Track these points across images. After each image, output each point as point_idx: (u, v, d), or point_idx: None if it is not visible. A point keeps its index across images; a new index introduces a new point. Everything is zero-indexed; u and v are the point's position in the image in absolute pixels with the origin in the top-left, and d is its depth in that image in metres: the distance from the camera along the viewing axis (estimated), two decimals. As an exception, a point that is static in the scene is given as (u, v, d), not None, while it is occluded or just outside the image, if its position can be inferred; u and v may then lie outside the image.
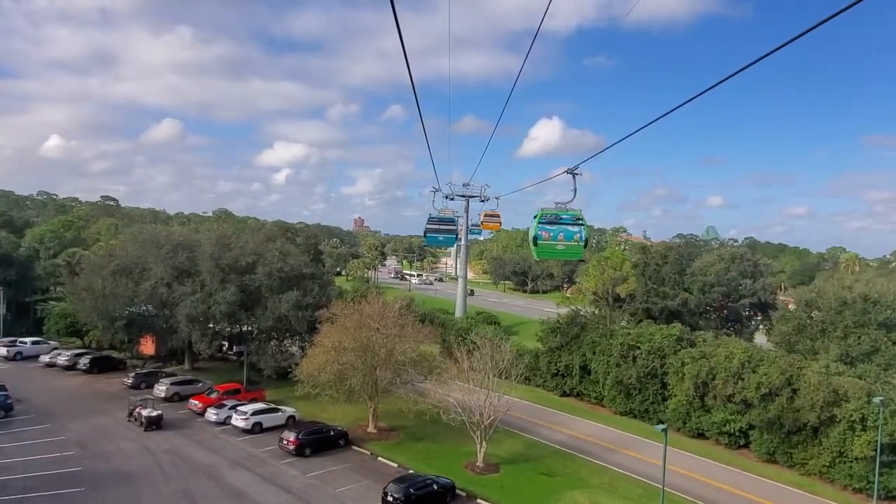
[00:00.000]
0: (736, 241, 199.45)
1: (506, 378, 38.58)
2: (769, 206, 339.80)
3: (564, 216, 21.16)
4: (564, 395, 54.28)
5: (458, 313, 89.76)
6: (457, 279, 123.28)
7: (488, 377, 37.71)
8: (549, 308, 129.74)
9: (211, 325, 47.06)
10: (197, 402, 44.66)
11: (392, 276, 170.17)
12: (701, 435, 44.40)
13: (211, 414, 42.77)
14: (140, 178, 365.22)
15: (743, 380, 41.00)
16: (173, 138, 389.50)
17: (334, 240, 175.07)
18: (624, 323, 57.84)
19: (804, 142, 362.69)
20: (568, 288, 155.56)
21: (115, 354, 58.56)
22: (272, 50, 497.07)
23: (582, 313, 57.15)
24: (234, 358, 58.43)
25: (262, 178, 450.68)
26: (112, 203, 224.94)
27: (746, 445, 42.39)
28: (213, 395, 45.51)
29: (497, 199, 64.00)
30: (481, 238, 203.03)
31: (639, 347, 48.18)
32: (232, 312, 47.37)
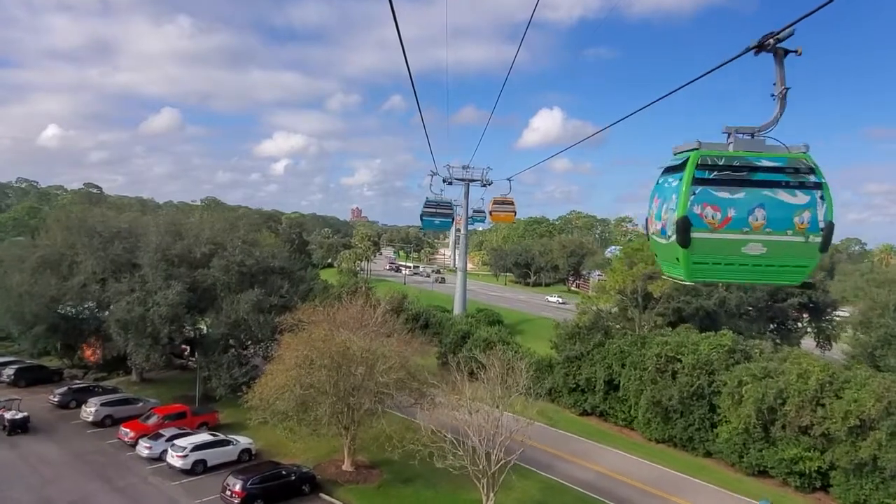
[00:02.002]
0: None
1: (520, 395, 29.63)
2: None
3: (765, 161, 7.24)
4: (584, 413, 45.21)
5: (457, 310, 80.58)
6: (455, 271, 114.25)
7: (498, 406, 28.62)
8: (555, 302, 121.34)
9: (150, 332, 37.74)
10: (128, 431, 35.44)
11: (387, 267, 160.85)
12: (763, 472, 35.35)
13: (142, 447, 33.57)
14: (138, 169, 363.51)
15: (823, 406, 31.94)
16: (172, 128, 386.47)
17: (325, 229, 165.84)
18: (650, 327, 48.53)
19: (802, 134, 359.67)
20: (574, 282, 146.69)
21: (50, 363, 49.27)
22: (272, 40, 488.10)
23: (603, 315, 47.92)
24: (196, 367, 49.20)
25: (260, 168, 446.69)
26: (96, 191, 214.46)
27: (825, 488, 33.38)
28: (151, 421, 36.33)
29: (510, 181, 50.54)
30: (480, 228, 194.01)
31: (680, 360, 39.05)
32: (176, 316, 38.00)
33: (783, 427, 33.45)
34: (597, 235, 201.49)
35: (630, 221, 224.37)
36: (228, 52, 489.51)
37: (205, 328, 42.43)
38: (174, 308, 37.38)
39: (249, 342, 41.06)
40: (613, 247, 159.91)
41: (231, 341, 40.24)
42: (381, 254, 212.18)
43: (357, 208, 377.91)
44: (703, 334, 40.61)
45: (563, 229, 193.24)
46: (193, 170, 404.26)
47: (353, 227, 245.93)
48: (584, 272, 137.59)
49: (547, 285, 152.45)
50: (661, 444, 39.96)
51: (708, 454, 37.90)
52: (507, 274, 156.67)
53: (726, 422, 36.40)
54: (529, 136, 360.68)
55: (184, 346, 48.31)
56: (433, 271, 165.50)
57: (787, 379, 33.63)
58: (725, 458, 36.61)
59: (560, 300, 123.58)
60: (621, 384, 41.93)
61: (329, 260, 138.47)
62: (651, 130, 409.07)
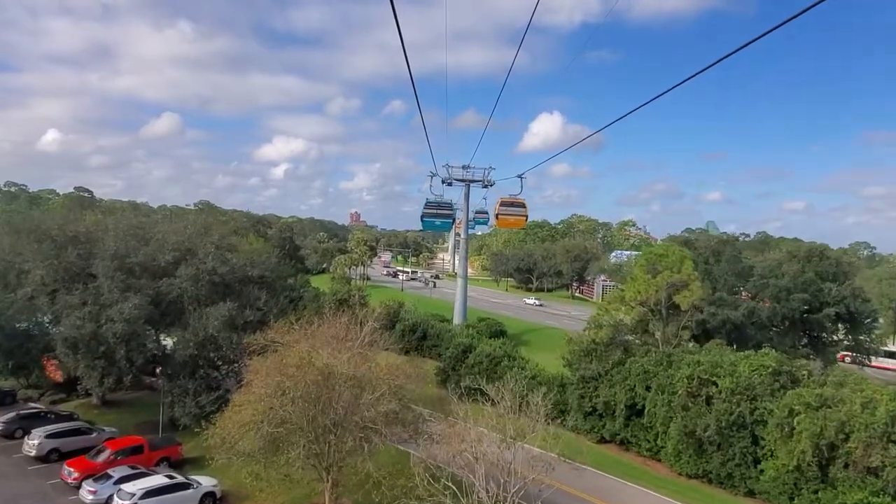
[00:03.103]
0: (748, 235, 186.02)
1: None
2: (767, 201, 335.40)
3: None
4: (602, 441, 39.99)
5: (458, 320, 75.44)
6: (455, 277, 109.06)
7: (510, 448, 23.48)
8: (558, 310, 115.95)
9: (103, 352, 32.49)
10: (72, 470, 30.14)
11: (385, 272, 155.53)
12: (818, 518, 30.12)
13: (86, 491, 28.28)
14: (137, 173, 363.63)
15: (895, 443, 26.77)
16: (172, 133, 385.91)
17: (321, 234, 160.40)
18: (676, 343, 43.28)
19: (803, 137, 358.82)
20: (578, 287, 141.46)
21: (5, 382, 43.97)
22: (273, 44, 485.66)
23: (621, 329, 42.68)
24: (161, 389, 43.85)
25: (260, 172, 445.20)
26: (86, 195, 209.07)
27: (895, 539, 28.15)
28: (101, 457, 31.05)
29: (521, 178, 39.88)
30: (480, 233, 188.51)
31: (715, 384, 33.86)
32: (133, 333, 32.73)
33: (845, 466, 28.26)
34: (599, 239, 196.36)
35: (633, 225, 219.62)
36: (229, 56, 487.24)
37: (171, 345, 37.22)
38: (131, 324, 32.11)
39: (221, 363, 35.75)
40: (618, 251, 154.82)
41: (200, 362, 34.90)
42: (380, 257, 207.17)
43: (356, 212, 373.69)
44: (742, 354, 35.38)
45: (565, 233, 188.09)
46: (193, 174, 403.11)
47: (351, 231, 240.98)
48: (588, 277, 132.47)
49: (549, 291, 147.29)
50: (694, 479, 34.71)
51: (750, 493, 32.64)
52: (509, 279, 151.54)
53: (773, 457, 31.17)
54: (530, 141, 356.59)
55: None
56: (432, 276, 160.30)
57: (849, 409, 28.45)
58: (772, 499, 31.35)
59: (537, 302, 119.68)
60: (646, 410, 36.70)
61: (324, 265, 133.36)
62: (650, 136, 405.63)
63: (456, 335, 60.58)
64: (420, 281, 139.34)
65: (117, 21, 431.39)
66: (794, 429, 29.71)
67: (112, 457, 30.98)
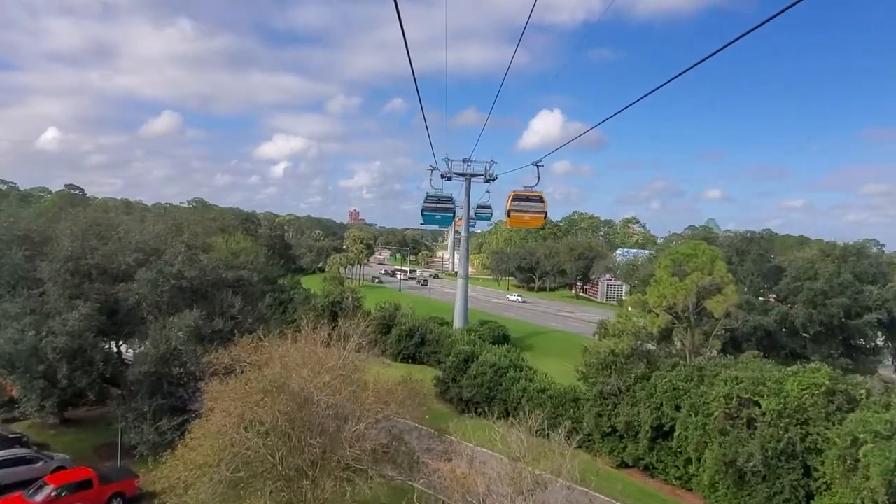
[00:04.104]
0: (754, 232, 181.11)
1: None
2: (767, 199, 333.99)
3: None
4: (623, 465, 35.38)
5: (458, 324, 70.89)
6: (455, 276, 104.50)
7: (526, 499, 18.81)
8: (565, 311, 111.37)
9: (43, 371, 27.75)
10: (2, 512, 25.54)
11: (383, 272, 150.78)
12: (887, 567, 25.49)
13: (16, 541, 23.64)
14: (137, 172, 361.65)
15: None
16: (172, 131, 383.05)
17: (316, 232, 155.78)
18: (707, 355, 38.59)
19: (803, 135, 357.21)
20: (582, 287, 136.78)
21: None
22: (273, 43, 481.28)
23: (642, 338, 38.01)
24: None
25: (259, 171, 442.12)
26: (77, 192, 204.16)
27: None
28: (41, 496, 26.36)
29: (538, 165, 29.75)
30: (480, 231, 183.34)
31: (758, 404, 29.22)
32: (80, 348, 27.99)
33: (924, 508, 23.63)
34: (601, 237, 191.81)
35: (636, 222, 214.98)
36: (229, 54, 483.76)
37: (133, 354, 32.59)
38: (75, 338, 27.37)
39: (186, 380, 31.00)
40: (623, 249, 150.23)
41: (166, 382, 30.11)
42: (380, 254, 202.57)
43: (355, 210, 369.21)
44: (789, 370, 30.66)
45: (567, 231, 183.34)
46: (192, 173, 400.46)
47: (348, 229, 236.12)
48: (593, 277, 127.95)
49: (552, 290, 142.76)
50: (733, 514, 30.08)
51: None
52: (510, 278, 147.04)
53: (831, 492, 26.53)
54: (530, 138, 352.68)
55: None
56: (431, 275, 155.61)
57: (928, 440, 23.81)
58: (830, 543, 26.75)
59: (520, 299, 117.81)
60: (676, 433, 32.04)
61: (320, 264, 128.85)
62: (650, 134, 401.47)
63: (456, 341, 56.02)
64: (419, 282, 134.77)
65: (118, 20, 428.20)
66: (858, 461, 25.06)
67: (54, 494, 26.32)
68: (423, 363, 60.67)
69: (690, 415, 31.02)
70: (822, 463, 27.08)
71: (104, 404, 39.23)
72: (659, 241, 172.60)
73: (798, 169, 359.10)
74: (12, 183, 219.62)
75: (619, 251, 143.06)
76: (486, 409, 44.06)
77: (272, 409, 20.42)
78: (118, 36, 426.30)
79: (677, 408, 32.28)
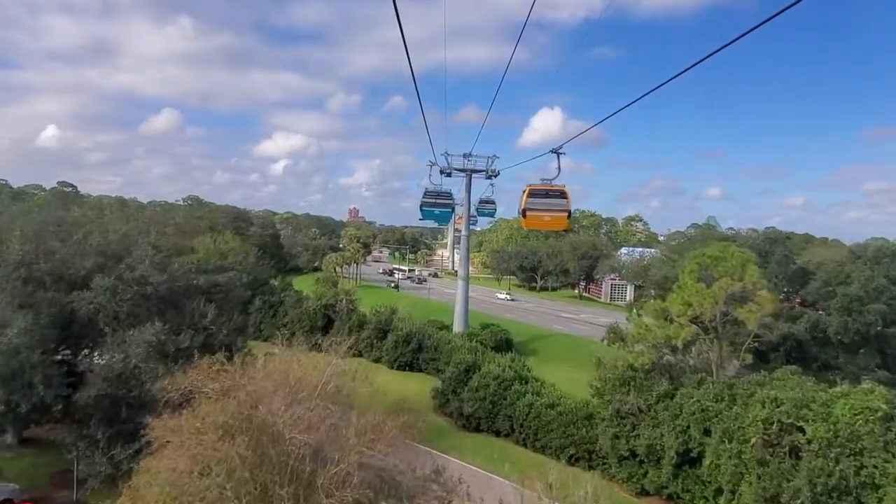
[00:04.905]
0: (756, 230, 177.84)
1: None
2: (767, 198, 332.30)
3: None
4: (643, 493, 31.66)
5: (458, 328, 67.05)
6: (455, 276, 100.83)
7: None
8: (567, 312, 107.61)
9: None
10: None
11: (381, 271, 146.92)
12: None
13: None
14: (137, 170, 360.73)
15: None
16: (171, 129, 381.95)
17: (313, 230, 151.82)
18: (736, 368, 34.78)
19: (803, 134, 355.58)
20: (586, 286, 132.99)
21: None
22: (273, 40, 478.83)
23: (663, 349, 34.21)
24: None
25: (259, 169, 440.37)
26: (69, 189, 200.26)
27: None
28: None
29: (559, 154, 22.02)
30: (479, 229, 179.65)
31: (802, 430, 25.47)
32: (19, 368, 24.14)
33: None
34: (603, 235, 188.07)
35: (640, 220, 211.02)
36: (229, 52, 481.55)
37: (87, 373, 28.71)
38: (9, 357, 23.53)
39: (146, 403, 27.12)
40: (627, 248, 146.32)
41: (124, 407, 26.23)
42: (380, 252, 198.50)
43: (354, 208, 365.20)
44: (836, 391, 26.93)
45: (570, 229, 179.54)
46: (192, 171, 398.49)
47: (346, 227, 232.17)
48: (597, 276, 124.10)
49: (554, 290, 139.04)
50: (773, 556, 26.36)
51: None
52: (511, 277, 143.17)
53: (892, 537, 22.81)
54: (530, 136, 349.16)
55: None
56: (430, 274, 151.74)
57: None
58: None
59: (508, 296, 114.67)
60: (706, 460, 28.28)
61: (316, 264, 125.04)
62: (649, 133, 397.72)
63: (456, 348, 52.31)
64: (415, 282, 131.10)
65: (118, 18, 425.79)
66: (929, 503, 21.35)
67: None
68: (420, 371, 57.05)
69: (723, 441, 27.24)
70: (880, 500, 23.36)
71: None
72: (660, 239, 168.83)
73: (798, 167, 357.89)
74: (3, 180, 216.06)
75: (623, 250, 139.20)
76: (489, 425, 40.58)
77: (231, 452, 16.69)
78: (118, 34, 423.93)
79: (706, 431, 28.55)
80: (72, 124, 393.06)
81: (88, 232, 31.19)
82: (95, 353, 28.52)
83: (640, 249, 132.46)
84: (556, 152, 19.16)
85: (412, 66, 13.44)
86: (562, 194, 21.14)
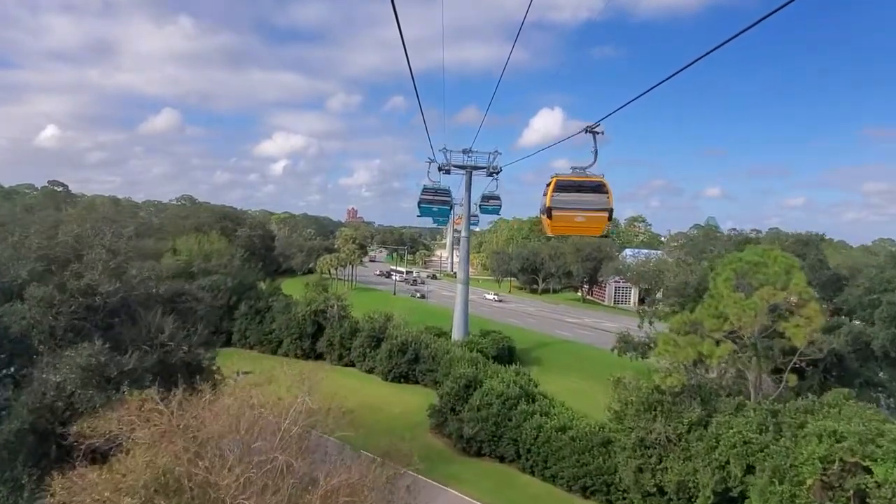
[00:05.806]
0: (759, 231, 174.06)
1: None
2: (766, 198, 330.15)
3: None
4: (670, 535, 27.40)
5: (457, 335, 62.76)
6: (454, 278, 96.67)
7: None
8: (571, 317, 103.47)
9: None
10: None
11: (377, 273, 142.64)
12: None
13: None
14: (136, 169, 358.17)
15: None
16: (171, 129, 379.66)
17: (308, 230, 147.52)
18: (778, 391, 30.39)
19: (802, 133, 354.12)
20: (589, 289, 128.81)
21: None
22: (273, 40, 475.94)
23: (693, 371, 29.89)
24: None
25: (259, 168, 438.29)
26: (60, 189, 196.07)
27: None
28: None
29: (595, 133, 15.62)
30: (478, 229, 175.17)
31: (869, 471, 21.24)
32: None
33: None
34: (613, 233, 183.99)
35: (643, 221, 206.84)
36: (229, 52, 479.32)
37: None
38: None
39: (80, 438, 22.90)
40: (631, 249, 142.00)
41: (51, 439, 22.00)
42: (380, 251, 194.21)
43: (353, 209, 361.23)
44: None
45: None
46: (192, 170, 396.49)
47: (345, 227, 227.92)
48: (602, 279, 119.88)
49: (556, 292, 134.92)
50: None
51: None
52: (511, 279, 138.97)
53: None
54: (530, 136, 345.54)
55: None
56: (429, 276, 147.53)
57: None
58: None
59: (496, 297, 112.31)
60: (749, 502, 24.02)
61: (311, 265, 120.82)
62: (649, 133, 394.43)
63: (456, 360, 47.97)
64: (408, 282, 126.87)
65: (118, 17, 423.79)
66: None
67: None
68: (416, 383, 52.89)
69: (773, 482, 22.95)
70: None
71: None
72: (662, 239, 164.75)
73: (798, 167, 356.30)
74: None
75: (627, 251, 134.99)
76: (492, 449, 36.37)
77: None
78: (118, 33, 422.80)
79: (749, 468, 24.30)
80: (71, 124, 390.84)
81: (27, 234, 26.89)
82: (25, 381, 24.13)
83: (645, 251, 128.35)
84: (592, 131, 14.42)
85: (411, 66, 13.21)
86: (600, 187, 15.64)
